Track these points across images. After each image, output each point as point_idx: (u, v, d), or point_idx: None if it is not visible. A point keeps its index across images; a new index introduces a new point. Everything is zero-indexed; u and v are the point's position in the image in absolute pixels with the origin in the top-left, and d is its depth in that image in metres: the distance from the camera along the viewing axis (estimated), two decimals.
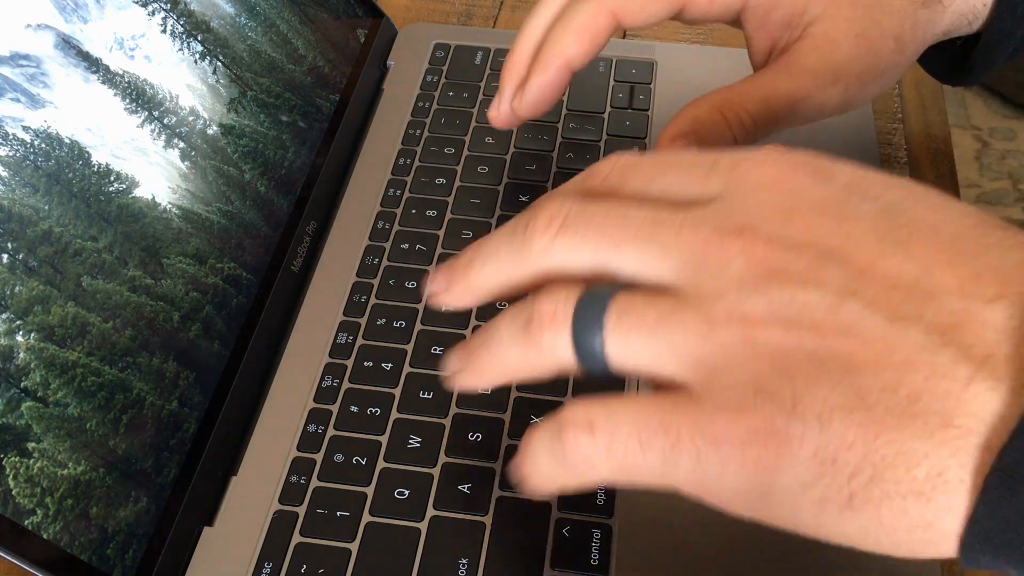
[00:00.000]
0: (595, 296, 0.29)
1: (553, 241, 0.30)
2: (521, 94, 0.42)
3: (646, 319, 0.28)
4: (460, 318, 0.45)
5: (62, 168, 0.39)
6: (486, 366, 0.32)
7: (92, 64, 0.42)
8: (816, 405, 0.25)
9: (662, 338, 0.28)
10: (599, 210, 0.30)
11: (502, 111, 0.43)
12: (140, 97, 0.43)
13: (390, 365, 0.44)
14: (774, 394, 0.26)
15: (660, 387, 0.29)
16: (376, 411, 0.42)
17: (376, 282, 0.47)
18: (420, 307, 0.46)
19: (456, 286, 0.33)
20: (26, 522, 0.33)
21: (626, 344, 0.29)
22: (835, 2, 0.39)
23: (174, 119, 0.45)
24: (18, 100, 0.38)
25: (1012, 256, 0.26)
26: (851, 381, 0.25)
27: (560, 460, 0.29)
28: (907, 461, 0.24)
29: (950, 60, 0.46)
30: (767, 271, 0.27)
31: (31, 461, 0.34)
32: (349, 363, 0.44)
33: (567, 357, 0.30)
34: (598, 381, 0.30)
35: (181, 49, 0.46)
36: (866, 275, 0.26)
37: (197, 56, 0.47)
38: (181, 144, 0.44)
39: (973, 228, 0.27)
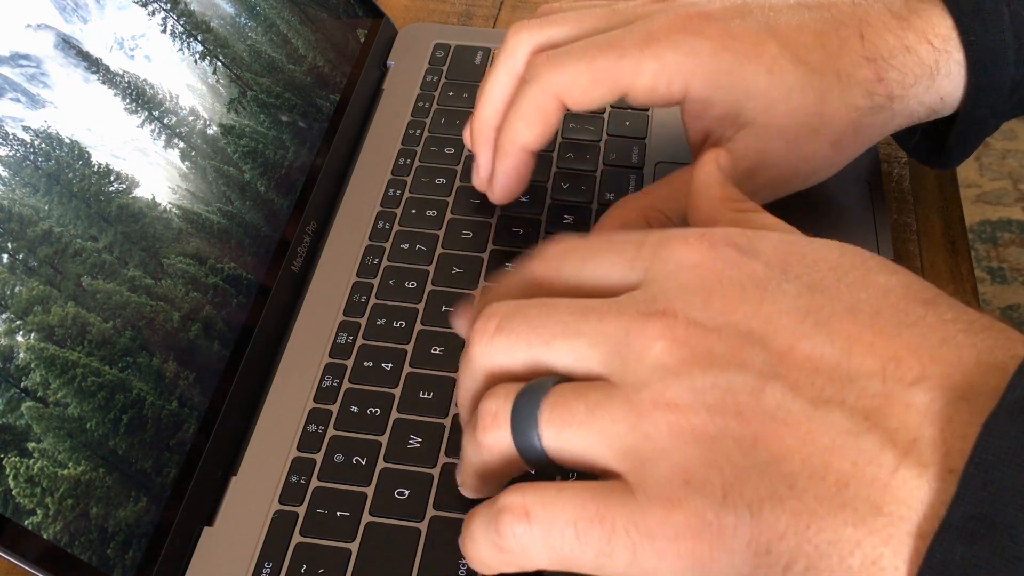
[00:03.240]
0: (530, 393, 0.30)
1: (490, 343, 0.31)
2: (491, 185, 0.45)
3: (576, 413, 0.29)
4: None
5: (62, 168, 0.39)
6: (462, 475, 0.35)
7: (92, 64, 0.42)
8: (746, 494, 0.25)
9: (593, 430, 0.28)
10: (531, 308, 0.31)
11: (483, 182, 0.46)
12: (140, 97, 0.43)
13: (390, 365, 0.44)
14: (703, 485, 0.26)
15: (598, 475, 0.29)
16: (376, 411, 0.42)
17: (376, 282, 0.47)
18: (420, 307, 0.46)
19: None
20: (26, 522, 0.33)
21: (560, 437, 0.29)
22: (770, 111, 0.39)
23: (174, 119, 0.45)
24: (18, 100, 0.38)
25: (932, 336, 0.26)
26: (779, 468, 0.25)
27: (496, 546, 0.29)
28: (840, 550, 0.24)
29: (928, 146, 0.45)
30: (689, 354, 0.27)
31: (31, 461, 0.34)
32: (349, 363, 0.44)
33: (511, 452, 0.30)
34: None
35: (181, 49, 0.46)
36: (787, 358, 0.26)
37: (197, 56, 0.47)
38: (181, 144, 0.44)
39: (894, 307, 0.27)
